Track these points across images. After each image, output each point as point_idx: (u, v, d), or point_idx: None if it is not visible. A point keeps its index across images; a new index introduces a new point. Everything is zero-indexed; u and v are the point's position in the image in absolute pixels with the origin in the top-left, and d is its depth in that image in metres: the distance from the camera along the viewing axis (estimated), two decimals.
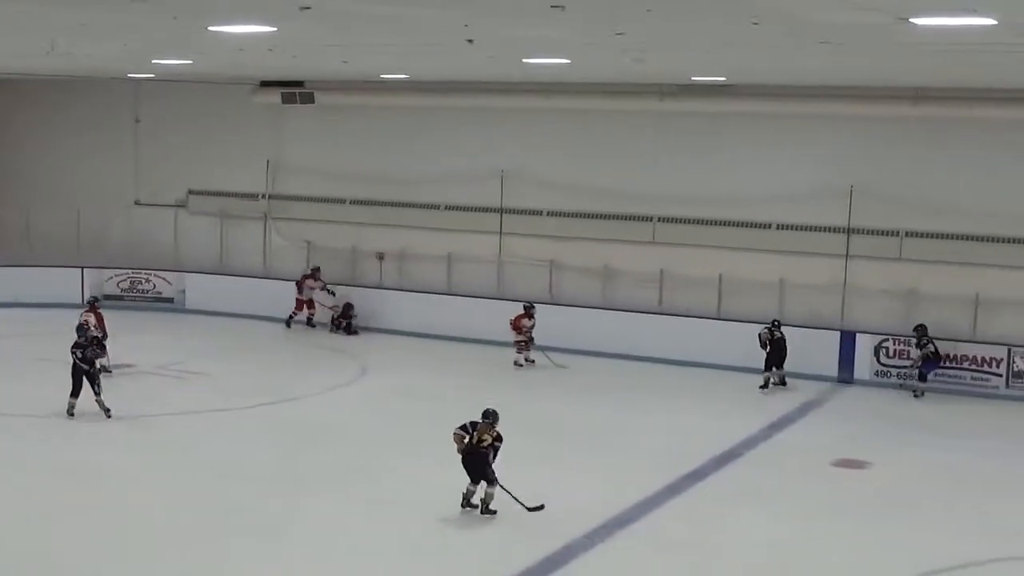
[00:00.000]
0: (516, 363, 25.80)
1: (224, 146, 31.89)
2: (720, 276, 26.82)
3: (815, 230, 26.11)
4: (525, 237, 28.83)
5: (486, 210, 28.98)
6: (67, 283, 31.10)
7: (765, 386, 24.22)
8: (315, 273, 28.95)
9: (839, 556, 15.56)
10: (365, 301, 29.07)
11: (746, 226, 26.64)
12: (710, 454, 19.70)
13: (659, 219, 27.43)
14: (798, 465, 19.53)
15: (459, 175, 29.23)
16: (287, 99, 30.22)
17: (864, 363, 25.10)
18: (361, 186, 30.32)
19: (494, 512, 16.03)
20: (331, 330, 28.64)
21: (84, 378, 20.33)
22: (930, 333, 24.26)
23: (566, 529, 15.91)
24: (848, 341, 24.98)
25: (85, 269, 31.41)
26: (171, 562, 14.70)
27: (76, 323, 22.47)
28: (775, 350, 24.36)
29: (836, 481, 18.89)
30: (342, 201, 30.60)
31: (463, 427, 16.19)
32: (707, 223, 26.98)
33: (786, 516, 17.03)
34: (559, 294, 28.40)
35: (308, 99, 30.06)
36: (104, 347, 21.75)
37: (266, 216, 31.69)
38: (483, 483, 16.12)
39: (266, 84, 30.28)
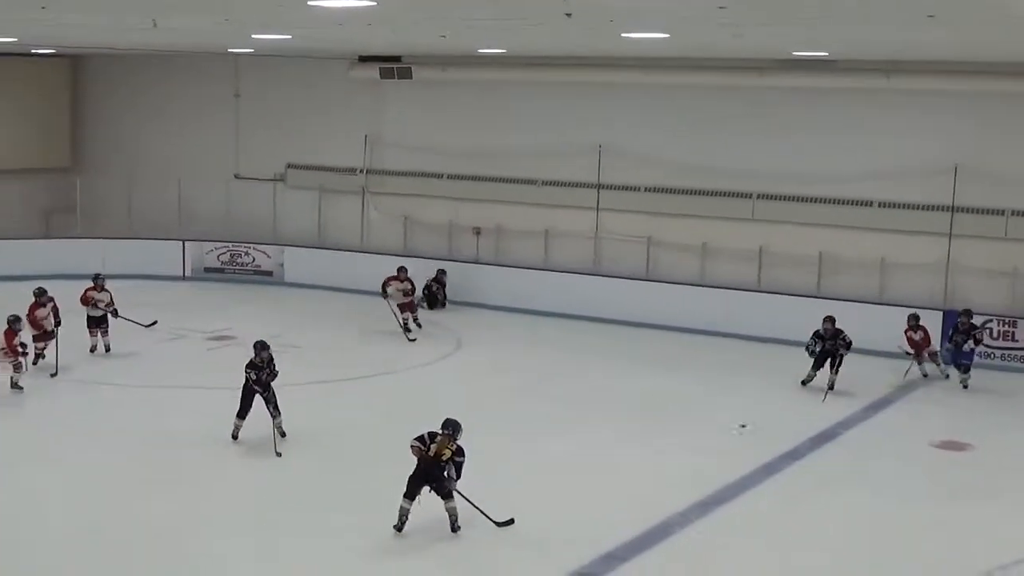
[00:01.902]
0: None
1: (322, 121, 32.04)
2: (820, 254, 26.50)
3: (918, 208, 25.68)
4: (622, 213, 28.66)
5: (583, 186, 28.86)
6: (168, 256, 31.55)
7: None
8: (400, 274, 26.63)
9: (933, 541, 15.37)
10: (461, 276, 29.06)
11: (847, 204, 26.29)
12: (807, 434, 19.51)
13: (759, 196, 27.14)
14: (897, 446, 19.28)
15: (556, 150, 29.13)
16: (385, 74, 30.27)
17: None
18: (458, 161, 30.34)
19: (459, 528, 14.79)
20: (419, 303, 28.61)
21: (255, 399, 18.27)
22: None
23: (663, 506, 15.86)
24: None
25: (186, 242, 31.80)
26: (269, 533, 14.85)
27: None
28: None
29: (936, 463, 18.63)
30: (439, 176, 30.64)
31: (420, 438, 14.77)
32: (807, 200, 26.65)
33: (883, 498, 16.80)
34: (656, 271, 28.21)
35: (406, 74, 30.08)
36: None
37: (363, 190, 31.82)
38: (443, 500, 14.80)
39: (364, 59, 30.34)
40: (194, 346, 24.59)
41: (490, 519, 14.85)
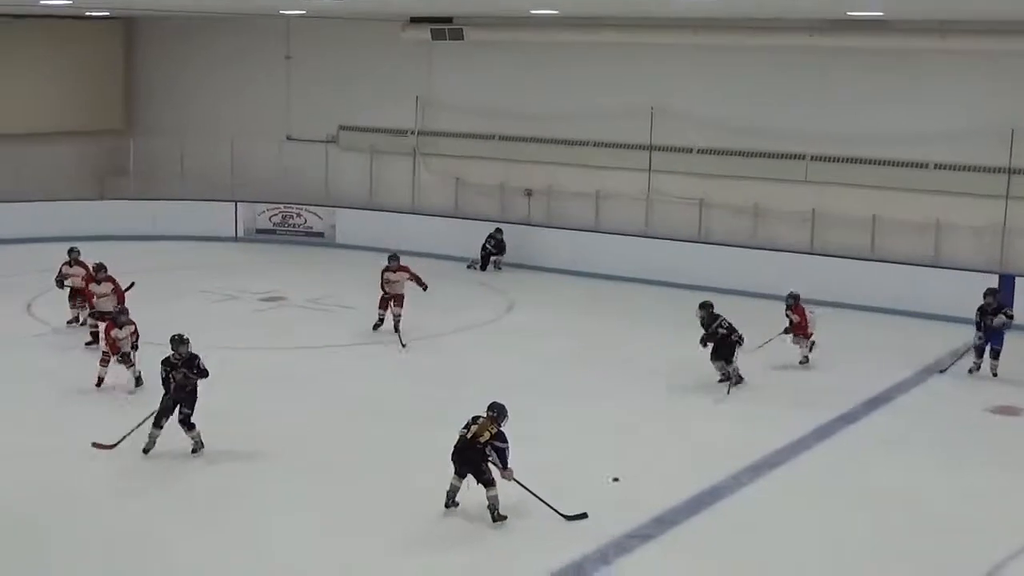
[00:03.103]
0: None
1: (374, 82, 32.03)
2: (873, 216, 26.27)
3: (973, 170, 25.36)
4: (674, 175, 28.53)
5: (635, 147, 28.72)
6: (221, 217, 31.72)
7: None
8: (392, 263, 23.35)
9: (985, 507, 15.20)
10: (513, 237, 29.02)
11: (901, 165, 26.02)
12: (860, 398, 19.39)
13: (811, 157, 26.92)
14: (951, 411, 19.14)
15: (608, 112, 28.99)
16: (436, 35, 30.19)
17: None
18: (510, 122, 30.26)
19: (504, 517, 14.11)
20: (474, 266, 28.59)
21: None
22: None
23: (715, 470, 15.84)
24: (1007, 284, 24.24)
25: (238, 204, 31.94)
26: (309, 497, 14.94)
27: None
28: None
29: (990, 428, 18.47)
30: (491, 137, 30.59)
31: (467, 424, 14.31)
32: (861, 162, 26.41)
33: (935, 463, 16.70)
34: (708, 233, 28.08)
35: (457, 35, 29.98)
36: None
37: (415, 152, 31.81)
38: (481, 487, 14.22)
39: (416, 20, 30.26)
40: (245, 307, 24.70)
41: (557, 512, 14.24)
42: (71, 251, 22.75)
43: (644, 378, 20.27)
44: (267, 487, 15.21)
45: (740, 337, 20.02)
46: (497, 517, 14.12)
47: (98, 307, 21.14)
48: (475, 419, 14.28)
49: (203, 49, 34.17)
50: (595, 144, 29.26)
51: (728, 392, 19.57)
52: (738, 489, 15.44)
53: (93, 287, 21.35)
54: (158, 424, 15.97)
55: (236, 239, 31.80)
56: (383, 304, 22.57)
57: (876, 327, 24.34)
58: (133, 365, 18.70)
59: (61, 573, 12.81)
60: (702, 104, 28.03)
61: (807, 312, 21.45)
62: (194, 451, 16.06)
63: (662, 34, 27.44)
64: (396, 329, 22.23)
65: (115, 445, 15.85)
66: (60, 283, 22.42)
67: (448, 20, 29.80)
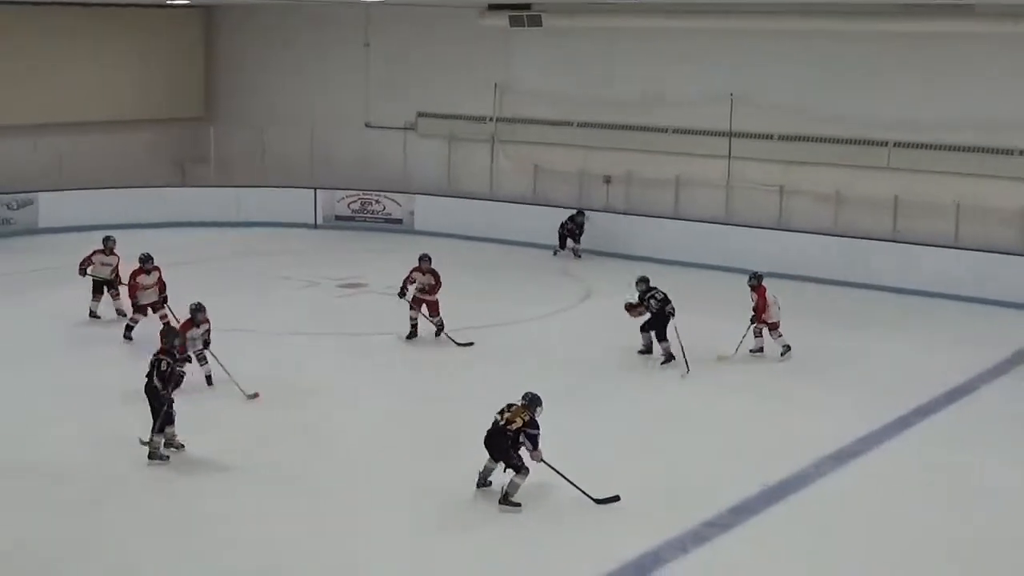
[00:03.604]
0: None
1: (452, 69, 32.05)
2: (958, 204, 25.92)
3: None
4: (754, 161, 28.31)
5: (715, 134, 28.54)
6: (301, 203, 31.89)
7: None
8: (423, 264, 21.78)
9: None
10: (591, 225, 28.91)
11: (987, 152, 25.65)
12: (943, 387, 19.12)
13: (894, 144, 26.61)
14: None
15: (687, 98, 28.85)
16: (515, 22, 30.13)
17: None
18: (588, 109, 30.17)
19: (518, 505, 14.05)
20: (558, 251, 28.53)
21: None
22: None
23: (795, 458, 15.71)
24: None
25: (317, 190, 32.11)
26: (374, 486, 14.99)
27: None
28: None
29: None
30: (569, 124, 30.51)
31: (501, 411, 14.38)
32: (945, 148, 26.06)
33: (1018, 457, 16.45)
34: (789, 220, 27.84)
35: (535, 22, 29.91)
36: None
37: (493, 139, 31.80)
38: (509, 470, 14.24)
39: (494, 7, 30.21)
40: (325, 293, 24.82)
41: (588, 495, 14.19)
42: (107, 240, 22.28)
43: (721, 366, 20.14)
44: (352, 462, 15.38)
45: (673, 310, 20.13)
46: (509, 502, 14.08)
47: (141, 299, 20.70)
48: (509, 406, 14.35)
49: (282, 37, 34.35)
50: (674, 131, 29.10)
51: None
52: (818, 479, 15.31)
53: (142, 278, 20.72)
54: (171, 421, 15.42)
55: (315, 226, 31.97)
56: (418, 303, 21.17)
57: (960, 315, 24.05)
58: (206, 362, 18.10)
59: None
60: (783, 90, 27.77)
61: (768, 296, 20.53)
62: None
63: (742, 19, 27.27)
64: (438, 333, 21.12)
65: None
66: (84, 271, 21.93)
67: (526, 6, 29.74)
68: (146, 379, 15.31)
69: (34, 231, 29.56)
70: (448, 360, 20.22)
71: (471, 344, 20.58)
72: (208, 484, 14.87)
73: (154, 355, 15.37)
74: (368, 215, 32.02)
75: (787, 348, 20.54)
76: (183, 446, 15.42)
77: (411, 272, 21.27)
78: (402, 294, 21.07)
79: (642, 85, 29.44)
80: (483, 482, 14.52)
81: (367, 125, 33.51)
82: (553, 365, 19.76)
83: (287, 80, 34.39)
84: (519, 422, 14.15)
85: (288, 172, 32.63)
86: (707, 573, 12.90)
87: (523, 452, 14.19)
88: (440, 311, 21.13)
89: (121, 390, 17.34)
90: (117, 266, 21.99)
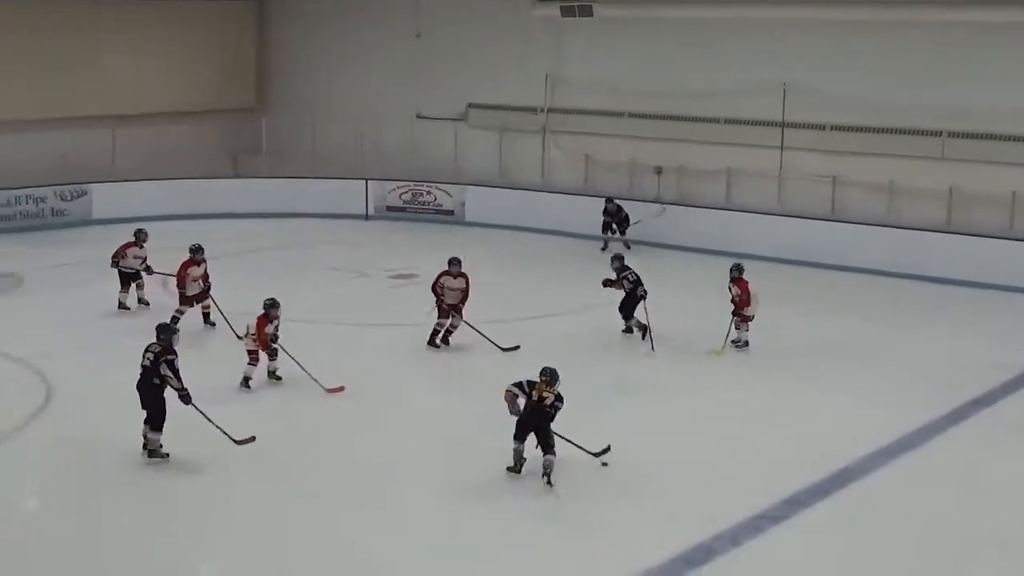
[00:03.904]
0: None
1: (503, 60, 32.03)
2: (1013, 194, 25.66)
3: None
4: (807, 152, 28.14)
5: (767, 124, 28.38)
6: (352, 194, 31.98)
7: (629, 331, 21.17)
8: (452, 267, 20.71)
9: None
10: (642, 216, 28.81)
11: None
12: (998, 380, 18.94)
13: (948, 134, 26.37)
14: None
15: (739, 88, 28.68)
16: (566, 12, 30.12)
17: None
18: (639, 99, 30.07)
19: (551, 484, 14.34)
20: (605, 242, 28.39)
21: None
22: None
23: (847, 452, 15.61)
24: None
25: (368, 181, 32.17)
26: (445, 473, 15.03)
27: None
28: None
29: None
30: (620, 114, 30.42)
31: (517, 384, 14.59)
32: (1000, 138, 25.82)
33: None
34: (842, 211, 27.65)
35: (587, 12, 29.89)
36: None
37: (544, 130, 31.76)
38: (543, 452, 14.48)
39: None
40: (377, 284, 24.88)
41: (587, 452, 14.91)
42: (140, 232, 22.45)
43: (773, 358, 20.04)
44: (398, 450, 15.44)
45: (644, 292, 20.61)
46: (550, 481, 14.34)
47: (188, 290, 20.80)
48: (530, 383, 14.51)
49: (334, 28, 34.42)
50: (726, 121, 28.97)
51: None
52: (872, 471, 15.21)
53: (192, 269, 20.80)
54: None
55: (367, 217, 32.04)
56: (445, 312, 20.19)
57: (1015, 307, 23.81)
58: (276, 357, 18.08)
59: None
60: (836, 80, 27.56)
61: (751, 289, 20.21)
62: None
63: (794, 9, 27.17)
64: (434, 342, 20.09)
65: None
66: (116, 264, 22.14)
67: None
68: (141, 376, 14.93)
69: (87, 222, 29.77)
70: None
71: (517, 348, 20.11)
72: (251, 472, 14.95)
73: (154, 354, 14.89)
74: (419, 206, 32.06)
75: (746, 343, 20.27)
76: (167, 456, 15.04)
77: (439, 277, 20.29)
78: (439, 302, 20.08)
79: (694, 75, 29.31)
80: (518, 467, 14.69)
81: (418, 116, 33.53)
82: (603, 356, 19.75)
83: (339, 71, 34.47)
84: (551, 397, 14.40)
85: (339, 163, 32.70)
86: (759, 565, 12.83)
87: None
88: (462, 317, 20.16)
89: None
90: (146, 258, 22.23)
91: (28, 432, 16.19)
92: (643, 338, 20.44)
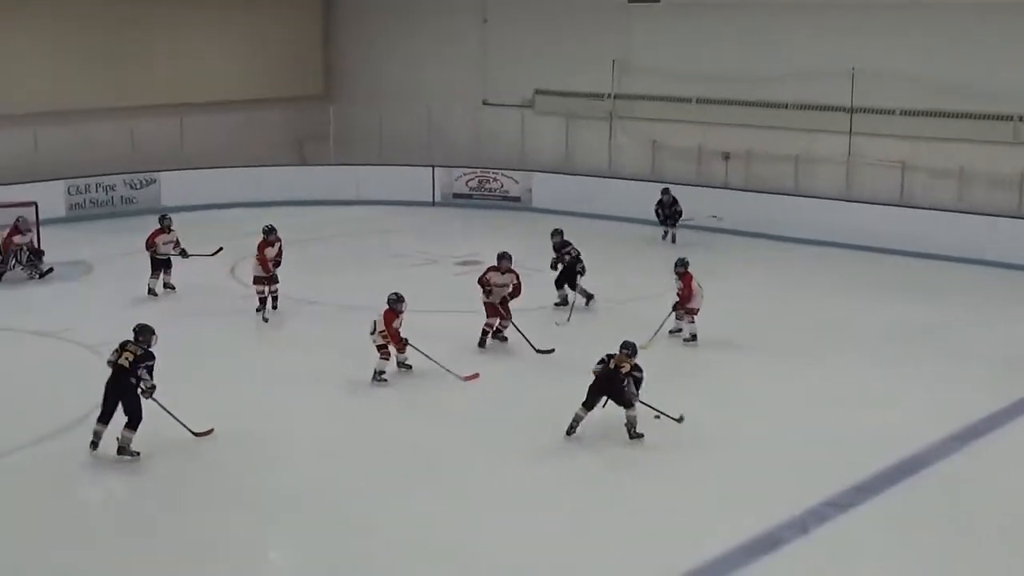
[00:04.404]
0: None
1: (570, 46, 31.95)
2: None
3: None
4: (876, 137, 27.87)
5: (835, 109, 28.13)
6: (419, 181, 32.05)
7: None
8: (502, 264, 20.02)
9: None
10: (710, 201, 28.68)
11: None
12: None
13: (1020, 118, 26.04)
14: None
15: (807, 73, 28.42)
16: None
17: None
18: (707, 85, 29.90)
19: (641, 435, 15.34)
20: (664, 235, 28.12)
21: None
22: None
23: (916, 438, 15.50)
24: None
25: (435, 168, 32.23)
26: (505, 440, 15.08)
27: None
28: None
29: None
30: (687, 100, 30.26)
31: (600, 362, 15.52)
32: None
33: None
34: (911, 196, 27.37)
35: None
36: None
37: (611, 116, 31.66)
38: (624, 409, 15.44)
39: None
40: (443, 271, 24.91)
41: (667, 415, 15.42)
42: (164, 218, 22.76)
43: (843, 343, 19.89)
44: (469, 435, 15.51)
45: (583, 268, 21.49)
46: (634, 435, 15.38)
47: (256, 272, 21.18)
48: (610, 356, 15.49)
49: (401, 15, 34.49)
50: (794, 106, 28.74)
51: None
52: (943, 458, 15.08)
53: (268, 251, 21.11)
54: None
55: (433, 203, 32.11)
56: (494, 311, 19.56)
57: None
58: (405, 349, 17.90)
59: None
60: (906, 64, 27.23)
61: (694, 284, 19.68)
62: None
63: None
64: (484, 343, 19.51)
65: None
66: (151, 251, 22.43)
67: None
68: (114, 376, 14.72)
69: (156, 210, 29.78)
70: (563, 332, 20.10)
71: (552, 351, 19.24)
72: (332, 459, 15.04)
73: (135, 356, 14.69)
74: (485, 193, 32.09)
75: (694, 337, 19.76)
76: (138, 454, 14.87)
77: (487, 272, 19.70)
78: (488, 297, 19.55)
79: (761, 60, 29.10)
80: (573, 430, 15.49)
81: (485, 103, 33.54)
82: (673, 342, 19.65)
83: (405, 58, 34.53)
84: (627, 366, 15.40)
85: (406, 150, 32.77)
86: (828, 553, 12.75)
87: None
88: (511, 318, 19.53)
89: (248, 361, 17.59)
90: (177, 241, 22.52)
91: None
92: (586, 304, 21.66)
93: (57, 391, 16.93)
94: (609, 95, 31.52)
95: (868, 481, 14.20)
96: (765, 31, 29.11)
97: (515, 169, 32.09)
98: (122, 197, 30.37)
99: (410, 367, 18.08)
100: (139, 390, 14.60)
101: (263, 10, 34.31)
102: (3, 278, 23.33)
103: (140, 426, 14.71)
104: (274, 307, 21.31)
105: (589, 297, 21.63)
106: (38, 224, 24.61)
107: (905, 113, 27.38)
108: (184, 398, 15.53)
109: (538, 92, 32.77)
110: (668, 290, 20.39)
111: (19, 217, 23.72)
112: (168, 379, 14.95)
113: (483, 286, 19.62)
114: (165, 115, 31.75)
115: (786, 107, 28.82)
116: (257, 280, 21.21)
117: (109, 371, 14.82)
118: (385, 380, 17.64)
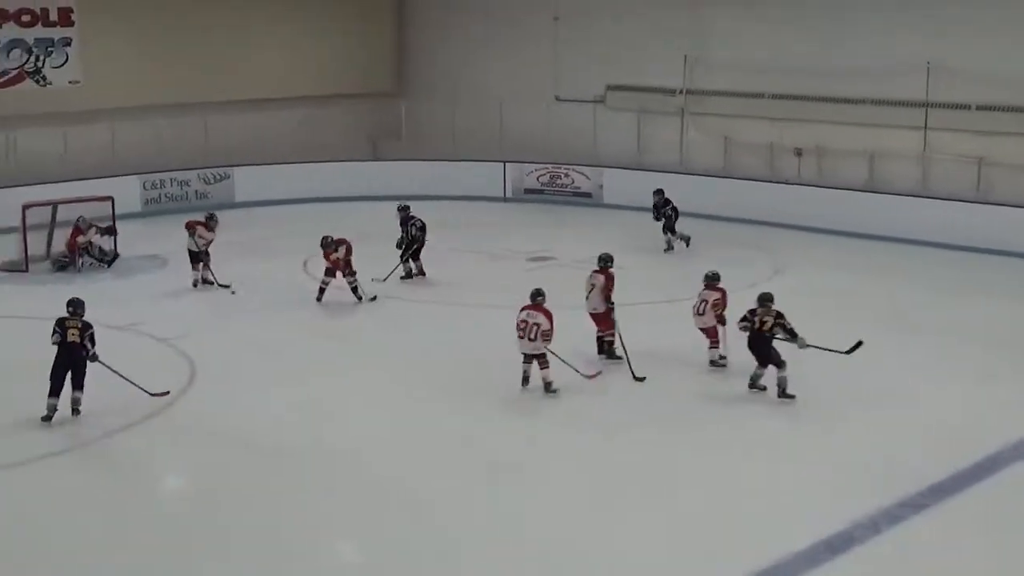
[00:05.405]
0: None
1: (642, 42, 31.84)
2: None
3: None
4: (952, 132, 27.51)
5: (910, 104, 27.81)
6: (490, 177, 32.10)
7: None
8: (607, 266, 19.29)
9: None
10: (782, 197, 28.48)
11: None
12: None
13: None
14: None
15: (881, 68, 28.11)
16: None
17: None
18: (780, 80, 29.65)
19: (792, 396, 16.40)
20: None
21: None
22: None
23: (991, 439, 15.34)
24: None
25: (506, 164, 32.27)
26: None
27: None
28: None
29: None
30: (760, 96, 30.06)
31: (744, 318, 16.68)
32: None
33: None
34: (988, 193, 27.03)
35: None
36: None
37: (683, 111, 31.53)
38: (772, 368, 16.52)
39: None
40: (514, 266, 24.89)
41: (837, 351, 16.73)
42: (211, 218, 23.27)
43: (915, 342, 19.67)
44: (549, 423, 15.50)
45: (423, 241, 23.34)
46: (785, 394, 16.40)
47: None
48: (752, 312, 16.56)
49: (473, 11, 34.56)
50: (868, 101, 28.46)
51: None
52: (1016, 461, 14.86)
53: (334, 255, 21.79)
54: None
55: (505, 199, 32.16)
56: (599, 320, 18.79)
57: None
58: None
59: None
60: (983, 58, 26.86)
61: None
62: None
63: None
64: (605, 351, 18.61)
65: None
66: (189, 231, 23.02)
67: None
68: (66, 352, 15.83)
69: (230, 205, 30.28)
70: (637, 328, 19.99)
71: (643, 379, 17.93)
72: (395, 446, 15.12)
73: (79, 330, 15.88)
74: (557, 188, 32.08)
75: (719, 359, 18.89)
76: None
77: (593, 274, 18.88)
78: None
79: (835, 55, 28.80)
80: (754, 384, 16.81)
81: (557, 98, 33.52)
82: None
83: (477, 54, 34.58)
84: (769, 321, 16.36)
85: (478, 146, 32.83)
86: (900, 553, 12.62)
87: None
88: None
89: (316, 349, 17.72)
90: (211, 241, 23.02)
91: (175, 411, 16.52)
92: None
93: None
94: (681, 90, 31.38)
95: (941, 482, 14.04)
96: (839, 25, 28.83)
97: (586, 165, 32.05)
98: (196, 192, 30.69)
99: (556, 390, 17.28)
100: (88, 358, 15.92)
101: (337, 7, 34.52)
102: (81, 271, 24.02)
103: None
104: (358, 299, 21.75)
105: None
106: (114, 218, 25.16)
107: (982, 108, 27.01)
108: (267, 390, 15.70)
109: (610, 88, 32.70)
110: (751, 284, 20.21)
111: (79, 217, 24.56)
112: (250, 372, 15.08)
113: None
114: (239, 111, 32.03)
115: (860, 102, 28.55)
116: (327, 271, 21.89)
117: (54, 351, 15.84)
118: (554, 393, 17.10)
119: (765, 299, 16.70)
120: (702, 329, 18.24)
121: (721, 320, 18.12)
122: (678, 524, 13.18)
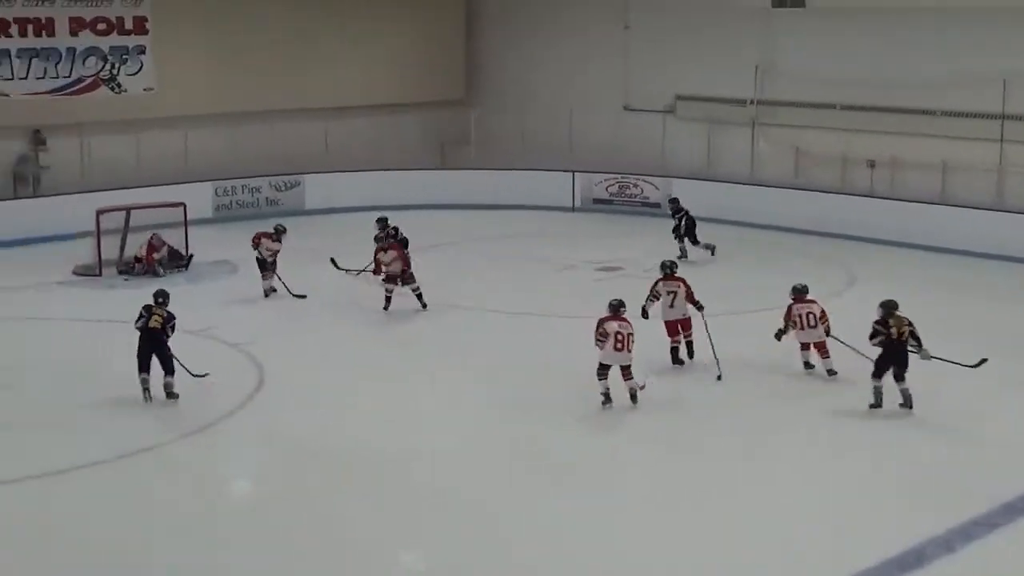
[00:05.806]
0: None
1: (712, 52, 31.69)
2: None
3: None
4: None
5: (985, 116, 27.51)
6: (559, 186, 32.07)
7: None
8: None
9: None
10: (854, 210, 28.25)
11: None
12: None
13: None
14: None
15: (955, 80, 27.82)
16: (777, 2, 29.84)
17: None
18: (852, 91, 29.40)
19: (911, 407, 16.35)
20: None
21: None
22: None
23: None
24: None
25: (575, 173, 32.22)
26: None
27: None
28: None
29: None
30: (832, 107, 29.82)
31: (874, 332, 16.31)
32: None
33: None
34: None
35: (799, 2, 29.59)
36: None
37: (753, 122, 31.36)
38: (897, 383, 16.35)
39: None
40: (584, 276, 24.85)
41: (962, 364, 16.67)
42: (278, 228, 23.34)
43: (995, 356, 19.35)
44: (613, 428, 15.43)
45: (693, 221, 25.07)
46: (908, 404, 16.32)
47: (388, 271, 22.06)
48: (882, 323, 16.21)
49: (542, 20, 34.56)
50: (942, 113, 28.17)
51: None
52: None
53: (383, 256, 22.10)
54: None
55: (573, 209, 32.10)
56: (672, 328, 18.90)
57: None
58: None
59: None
60: None
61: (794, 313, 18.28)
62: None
63: None
64: (680, 358, 18.84)
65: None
66: (255, 246, 23.13)
67: None
68: (150, 338, 16.78)
69: (301, 212, 30.48)
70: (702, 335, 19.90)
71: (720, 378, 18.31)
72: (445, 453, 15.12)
73: (163, 318, 16.85)
74: (626, 198, 32.00)
75: (807, 365, 18.73)
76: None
77: (655, 284, 18.97)
78: (645, 314, 18.74)
79: (908, 66, 28.55)
80: (879, 402, 16.45)
81: (626, 108, 33.46)
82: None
83: (546, 63, 34.59)
84: (906, 330, 16.22)
85: (546, 155, 32.82)
86: (974, 573, 12.45)
87: None
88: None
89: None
90: (278, 251, 23.11)
91: (242, 416, 16.63)
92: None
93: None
94: (752, 101, 31.22)
95: (1017, 500, 13.85)
96: (911, 36, 28.58)
97: (655, 175, 31.93)
98: (267, 199, 30.91)
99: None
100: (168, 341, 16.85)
101: (407, 17, 34.64)
102: (162, 276, 24.37)
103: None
104: (423, 306, 21.88)
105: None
106: (186, 224, 25.39)
107: None
108: (335, 397, 15.76)
109: (679, 98, 32.59)
110: (823, 296, 19.92)
111: (153, 234, 24.93)
112: (318, 378, 15.10)
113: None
114: (310, 119, 32.26)
115: (933, 114, 28.27)
116: (388, 278, 21.97)
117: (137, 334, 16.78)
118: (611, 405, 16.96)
119: (891, 306, 16.35)
120: (815, 343, 18.11)
121: (827, 331, 18.05)
122: (749, 540, 13.06)
